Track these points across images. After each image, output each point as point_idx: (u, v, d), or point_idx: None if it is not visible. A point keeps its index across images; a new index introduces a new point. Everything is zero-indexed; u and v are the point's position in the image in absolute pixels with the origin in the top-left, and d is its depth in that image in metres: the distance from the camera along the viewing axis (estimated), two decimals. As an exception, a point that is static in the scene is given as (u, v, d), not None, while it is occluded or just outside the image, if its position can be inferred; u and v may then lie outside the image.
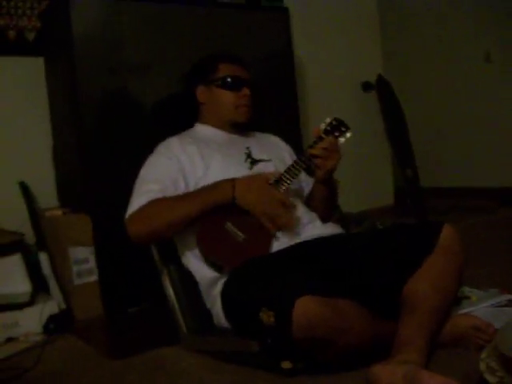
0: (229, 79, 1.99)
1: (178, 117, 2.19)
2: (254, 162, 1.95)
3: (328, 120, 1.92)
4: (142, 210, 1.76)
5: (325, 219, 1.96)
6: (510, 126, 3.76)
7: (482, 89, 3.88)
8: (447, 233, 1.65)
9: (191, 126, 2.09)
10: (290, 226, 1.77)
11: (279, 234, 1.76)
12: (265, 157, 1.97)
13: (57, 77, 2.77)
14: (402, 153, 4.11)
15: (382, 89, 4.23)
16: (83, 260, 2.44)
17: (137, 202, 1.78)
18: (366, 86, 4.24)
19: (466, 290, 2.00)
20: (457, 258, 1.64)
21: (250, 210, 1.74)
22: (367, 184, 4.15)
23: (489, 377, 1.20)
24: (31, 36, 2.82)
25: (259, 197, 1.74)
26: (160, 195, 1.77)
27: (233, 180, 1.75)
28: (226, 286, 1.70)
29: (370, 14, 4.36)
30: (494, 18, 3.72)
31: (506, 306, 1.90)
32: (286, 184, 1.81)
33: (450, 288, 1.61)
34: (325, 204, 1.99)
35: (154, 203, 1.75)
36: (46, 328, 2.25)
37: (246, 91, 2.00)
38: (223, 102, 2.00)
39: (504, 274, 2.27)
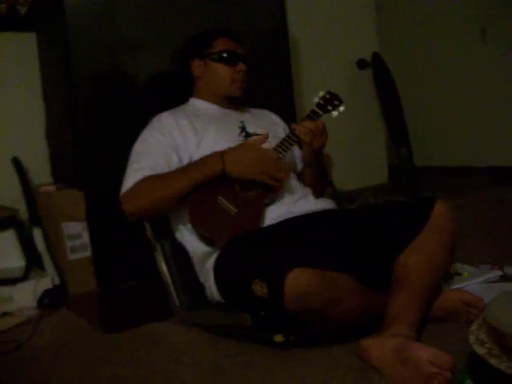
0: (225, 54, 1.99)
1: (172, 92, 2.17)
2: (248, 135, 1.94)
3: (321, 93, 1.91)
4: (136, 187, 1.76)
5: (317, 195, 1.96)
6: (504, 105, 3.76)
7: (477, 67, 3.87)
8: (439, 208, 1.66)
9: (185, 101, 2.08)
10: (287, 179, 1.78)
11: (273, 204, 1.77)
12: (259, 131, 1.96)
13: (49, 53, 2.73)
14: (396, 131, 4.10)
15: (377, 66, 4.21)
16: (77, 235, 2.44)
17: (130, 179, 1.78)
18: (361, 64, 4.21)
19: (458, 266, 2.03)
20: (448, 233, 1.65)
21: (243, 176, 1.75)
22: (361, 162, 4.13)
23: (478, 348, 1.22)
24: (23, 10, 2.78)
25: (250, 158, 1.74)
26: (153, 172, 1.77)
27: (221, 152, 1.75)
28: (218, 259, 1.71)
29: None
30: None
31: (496, 282, 1.93)
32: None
33: (441, 263, 1.63)
34: (315, 185, 2.00)
35: (147, 180, 1.76)
36: (41, 303, 2.25)
37: (241, 66, 1.99)
38: (219, 76, 1.99)
39: (495, 251, 2.28)
